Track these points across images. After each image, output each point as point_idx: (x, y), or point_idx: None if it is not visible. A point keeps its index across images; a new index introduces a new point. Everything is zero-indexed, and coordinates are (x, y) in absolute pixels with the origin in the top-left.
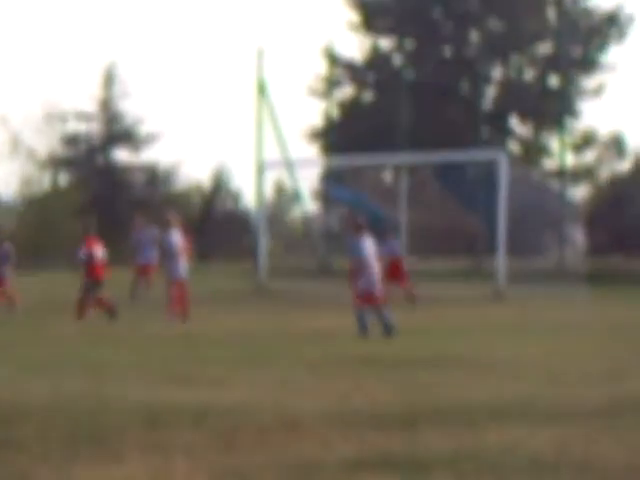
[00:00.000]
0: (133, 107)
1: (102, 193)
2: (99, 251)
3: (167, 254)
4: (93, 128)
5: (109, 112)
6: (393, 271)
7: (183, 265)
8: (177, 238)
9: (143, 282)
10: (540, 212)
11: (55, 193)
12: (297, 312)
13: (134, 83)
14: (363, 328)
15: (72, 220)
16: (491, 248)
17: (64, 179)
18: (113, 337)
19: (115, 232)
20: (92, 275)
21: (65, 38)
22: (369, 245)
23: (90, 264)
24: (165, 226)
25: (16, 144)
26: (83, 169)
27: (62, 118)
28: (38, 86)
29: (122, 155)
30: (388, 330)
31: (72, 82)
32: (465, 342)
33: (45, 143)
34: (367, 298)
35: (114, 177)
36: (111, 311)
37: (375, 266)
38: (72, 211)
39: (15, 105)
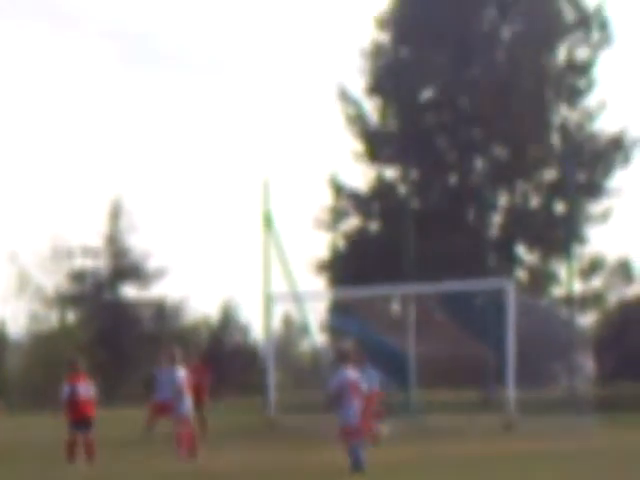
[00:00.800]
0: (140, 241)
1: (110, 328)
2: (83, 388)
3: (173, 391)
4: (100, 263)
5: (116, 247)
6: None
7: (188, 402)
8: (182, 374)
9: (158, 420)
10: (549, 340)
11: (63, 330)
12: (307, 447)
13: (140, 217)
14: (357, 463)
15: (80, 357)
16: (500, 378)
17: (72, 315)
18: (121, 476)
19: (122, 367)
20: (75, 413)
21: (71, 172)
22: (351, 375)
23: (72, 402)
24: (170, 362)
25: (24, 281)
26: (91, 305)
27: (69, 254)
28: (46, 221)
29: (129, 290)
30: (357, 466)
31: (79, 216)
32: (477, 474)
33: (53, 280)
34: (348, 432)
35: (122, 312)
36: (89, 452)
37: (356, 397)
38: (79, 347)
39: (23, 241)
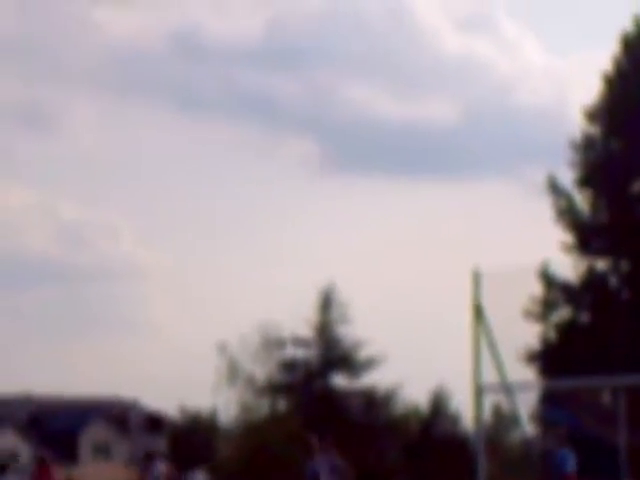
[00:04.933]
0: (351, 331)
1: (320, 418)
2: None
3: None
4: (311, 353)
5: (326, 337)
6: None
7: None
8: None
9: None
10: None
11: (273, 419)
12: None
13: (352, 306)
14: None
15: (289, 446)
16: None
17: (282, 404)
18: None
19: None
20: None
21: (281, 261)
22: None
23: None
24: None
25: (235, 370)
26: (301, 394)
27: (279, 344)
28: (255, 310)
29: (340, 379)
30: None
31: (288, 305)
32: None
33: (263, 369)
34: None
35: (332, 402)
36: None
37: None
38: (290, 437)
39: (233, 330)
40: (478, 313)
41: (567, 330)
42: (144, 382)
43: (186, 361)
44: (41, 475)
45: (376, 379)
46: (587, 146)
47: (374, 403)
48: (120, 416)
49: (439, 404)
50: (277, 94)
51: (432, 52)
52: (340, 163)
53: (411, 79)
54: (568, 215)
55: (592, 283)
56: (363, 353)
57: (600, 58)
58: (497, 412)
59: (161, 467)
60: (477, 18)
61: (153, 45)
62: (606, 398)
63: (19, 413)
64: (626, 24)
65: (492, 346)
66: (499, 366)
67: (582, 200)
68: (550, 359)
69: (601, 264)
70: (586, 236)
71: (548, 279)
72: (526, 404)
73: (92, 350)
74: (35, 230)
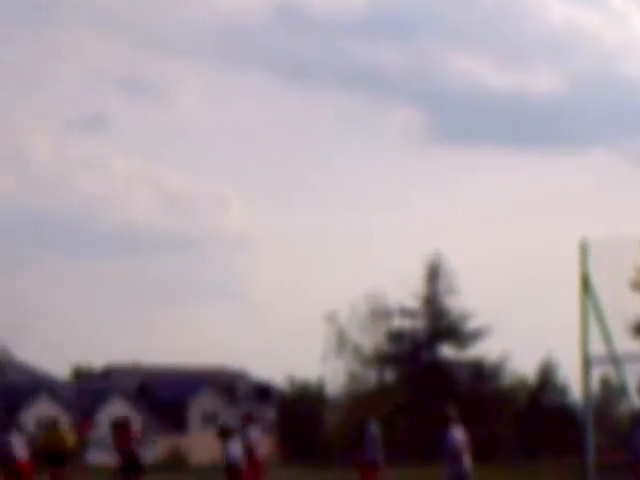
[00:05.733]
0: (458, 302)
1: (427, 389)
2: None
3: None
4: (418, 324)
5: (434, 308)
6: None
7: (467, 463)
8: (460, 435)
9: None
10: None
11: (381, 389)
12: None
13: (459, 277)
14: None
15: (397, 417)
16: None
17: (389, 375)
18: None
19: (438, 427)
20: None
21: (389, 232)
22: None
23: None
24: (446, 422)
25: (343, 340)
26: (408, 365)
27: (387, 315)
28: (364, 281)
29: (447, 351)
30: None
31: (395, 276)
32: None
33: (371, 339)
34: None
35: (439, 373)
36: None
37: None
38: (397, 408)
39: (342, 301)
40: (586, 284)
41: None
42: (252, 352)
43: (294, 331)
44: (121, 437)
45: (484, 350)
46: None
47: (482, 374)
48: (228, 386)
49: (547, 376)
50: (383, 64)
51: (538, 22)
52: (446, 133)
53: (517, 49)
54: None
55: None
56: (470, 324)
57: None
58: (605, 384)
59: (255, 433)
60: None
61: (259, 15)
62: None
63: (128, 383)
64: None
65: (600, 317)
66: (607, 337)
67: None
68: None
69: None
70: None
71: None
72: (634, 376)
73: (201, 319)
74: (142, 200)
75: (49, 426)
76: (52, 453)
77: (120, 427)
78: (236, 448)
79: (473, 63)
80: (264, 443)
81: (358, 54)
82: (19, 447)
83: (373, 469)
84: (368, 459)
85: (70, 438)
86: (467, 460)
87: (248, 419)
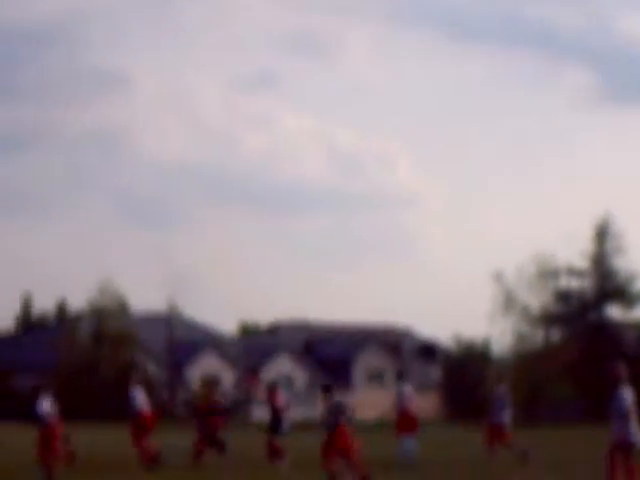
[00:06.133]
0: (627, 263)
1: (594, 350)
2: None
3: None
4: (585, 284)
5: (602, 268)
6: None
7: (635, 426)
8: (629, 396)
9: None
10: None
11: (547, 349)
12: None
13: (628, 237)
14: None
15: (563, 376)
16: None
17: (556, 335)
18: None
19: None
20: None
21: (557, 191)
22: None
23: None
24: (617, 381)
25: (510, 300)
26: (575, 325)
27: (554, 274)
28: (532, 240)
29: (615, 312)
30: None
31: (563, 235)
32: None
33: (538, 299)
34: None
35: (606, 334)
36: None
37: None
38: (563, 368)
39: (509, 260)
40: None
41: None
42: (419, 310)
43: (461, 290)
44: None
45: None
46: None
47: None
48: (394, 343)
49: None
50: (556, 25)
51: None
52: (617, 94)
53: None
54: None
55: None
56: (639, 285)
57: None
58: None
59: (408, 388)
60: None
61: None
62: None
63: (295, 339)
64: None
65: None
66: None
67: None
68: None
69: None
70: None
71: None
72: None
73: (368, 277)
74: (311, 158)
75: (204, 384)
76: (203, 410)
77: (272, 388)
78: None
79: None
80: (415, 399)
81: (528, 14)
82: (141, 400)
83: (500, 431)
84: (495, 421)
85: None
86: (634, 423)
87: (400, 375)
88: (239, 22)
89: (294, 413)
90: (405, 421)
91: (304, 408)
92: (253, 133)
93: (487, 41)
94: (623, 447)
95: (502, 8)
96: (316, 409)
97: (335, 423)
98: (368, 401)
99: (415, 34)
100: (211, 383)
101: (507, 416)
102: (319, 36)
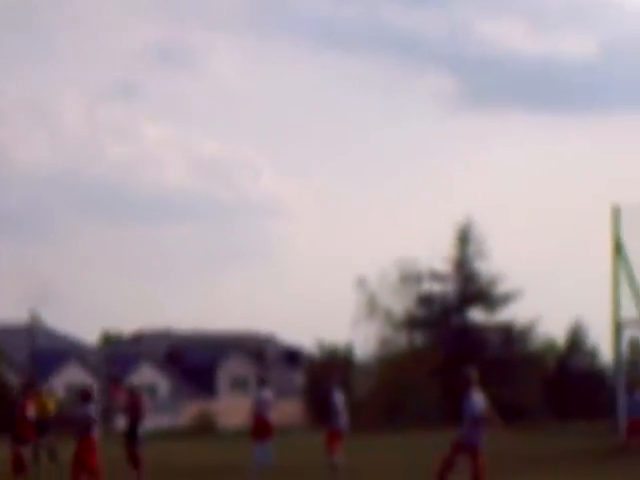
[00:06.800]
0: (488, 266)
1: (457, 353)
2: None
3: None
4: (448, 288)
5: (464, 272)
6: None
7: (484, 431)
8: (480, 401)
9: None
10: None
11: (411, 353)
12: None
13: (489, 241)
14: None
15: (428, 380)
16: None
17: (419, 340)
18: None
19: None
20: None
21: (419, 196)
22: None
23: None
24: (467, 385)
25: (373, 305)
26: (438, 329)
27: (417, 279)
28: (393, 245)
29: (477, 315)
30: None
31: (425, 240)
32: None
33: (401, 304)
34: None
35: (469, 337)
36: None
37: None
38: (428, 371)
39: (371, 265)
40: (618, 248)
41: None
42: (282, 317)
43: (325, 296)
44: (114, 392)
45: (513, 314)
46: None
47: (511, 338)
48: (258, 350)
49: (576, 339)
50: (415, 29)
51: None
52: (476, 98)
53: (548, 14)
54: None
55: None
56: (500, 288)
57: None
58: (633, 346)
59: (267, 394)
60: None
61: None
62: None
63: (158, 348)
64: None
65: (631, 281)
66: (638, 301)
67: None
68: None
69: None
70: None
71: None
72: None
73: (230, 285)
74: (175, 166)
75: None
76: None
77: (133, 393)
78: None
79: (504, 28)
80: (274, 406)
81: (390, 20)
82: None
83: (337, 436)
84: (333, 426)
85: (51, 404)
86: (482, 428)
87: (262, 382)
88: (103, 34)
89: (158, 421)
90: (260, 427)
91: (168, 417)
92: (115, 143)
93: (353, 49)
94: (469, 449)
95: (367, 16)
96: (180, 417)
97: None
98: (232, 408)
99: (281, 43)
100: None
101: (342, 422)
102: (184, 47)
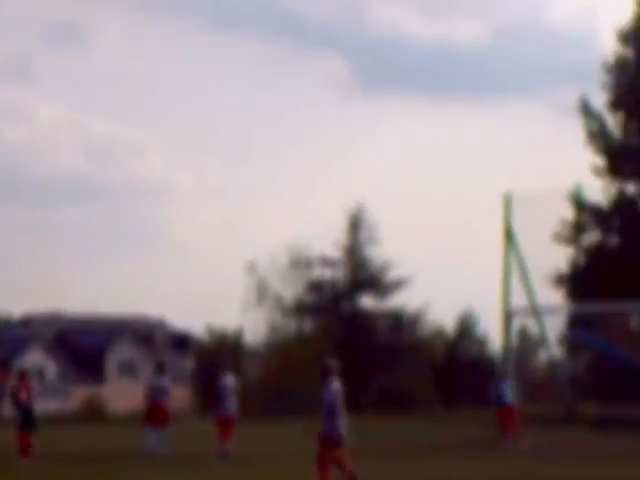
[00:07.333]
0: (379, 253)
1: (347, 339)
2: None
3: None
4: (339, 274)
5: (355, 258)
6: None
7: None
8: (337, 389)
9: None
10: None
11: (300, 339)
12: (541, 460)
13: (381, 228)
14: None
15: (316, 366)
16: None
17: (309, 325)
18: None
19: (357, 377)
20: None
21: (310, 182)
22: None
23: None
24: (327, 374)
25: (263, 291)
26: (328, 315)
27: (307, 265)
28: (284, 231)
29: (367, 301)
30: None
31: (317, 226)
32: None
33: (291, 289)
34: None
35: (359, 323)
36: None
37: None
38: (316, 357)
39: (262, 251)
40: (509, 236)
41: (596, 254)
42: (172, 302)
43: (214, 281)
44: (21, 387)
45: (403, 301)
46: (619, 68)
47: (401, 325)
48: (146, 335)
49: (466, 327)
50: (310, 15)
51: None
52: (369, 83)
53: None
54: (599, 138)
55: (622, 206)
56: (391, 274)
57: None
58: (523, 334)
59: (165, 381)
60: None
61: None
62: (634, 322)
63: (47, 331)
64: None
65: (522, 269)
66: (528, 289)
67: (613, 123)
68: (579, 282)
69: (631, 187)
70: (617, 159)
71: (579, 202)
72: (554, 327)
73: (120, 269)
74: (65, 148)
75: None
76: None
77: (22, 376)
78: None
79: (397, 12)
80: (172, 393)
81: (281, 3)
82: None
83: (227, 423)
84: (221, 412)
85: None
86: (342, 417)
87: (160, 369)
88: None
89: (46, 405)
90: (155, 414)
91: (56, 401)
92: (6, 124)
93: (245, 31)
94: (331, 441)
95: None
96: (68, 401)
97: None
98: (120, 393)
99: (173, 24)
100: None
101: (232, 408)
102: (75, 25)
